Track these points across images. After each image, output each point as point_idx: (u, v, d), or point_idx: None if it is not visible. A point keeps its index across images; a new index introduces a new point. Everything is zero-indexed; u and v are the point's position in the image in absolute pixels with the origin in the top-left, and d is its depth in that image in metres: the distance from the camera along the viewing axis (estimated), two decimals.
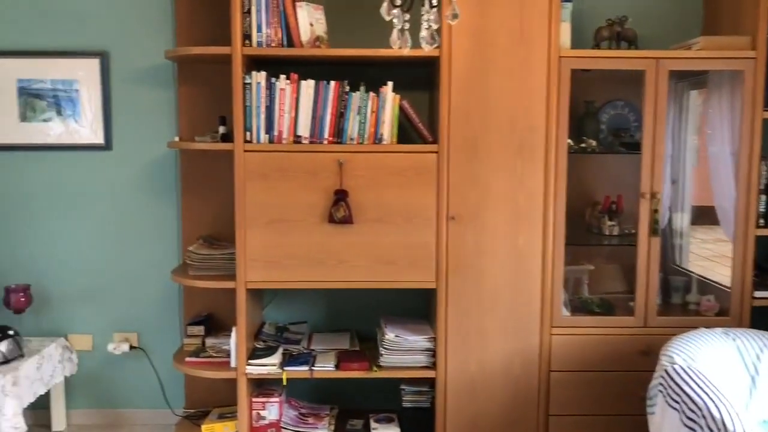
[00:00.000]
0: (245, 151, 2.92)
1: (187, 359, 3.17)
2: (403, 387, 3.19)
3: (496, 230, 2.98)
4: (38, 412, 3.45)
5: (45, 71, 3.37)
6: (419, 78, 3.26)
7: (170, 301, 3.49)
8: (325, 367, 3.04)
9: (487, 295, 3.01)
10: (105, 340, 3.52)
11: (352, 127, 2.95)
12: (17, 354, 3.10)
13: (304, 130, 2.94)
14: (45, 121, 3.40)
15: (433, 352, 3.05)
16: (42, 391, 3.20)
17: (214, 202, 3.35)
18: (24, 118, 3.40)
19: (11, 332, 3.12)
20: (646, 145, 2.99)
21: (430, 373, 3.05)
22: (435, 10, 1.69)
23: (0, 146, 3.42)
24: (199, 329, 3.35)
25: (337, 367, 3.05)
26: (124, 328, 3.53)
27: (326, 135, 2.95)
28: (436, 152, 2.95)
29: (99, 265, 3.49)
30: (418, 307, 3.38)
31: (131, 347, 3.50)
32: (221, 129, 3.12)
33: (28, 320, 3.40)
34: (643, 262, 3.03)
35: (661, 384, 2.48)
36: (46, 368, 3.25)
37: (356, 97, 2.94)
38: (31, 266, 3.47)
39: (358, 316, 3.46)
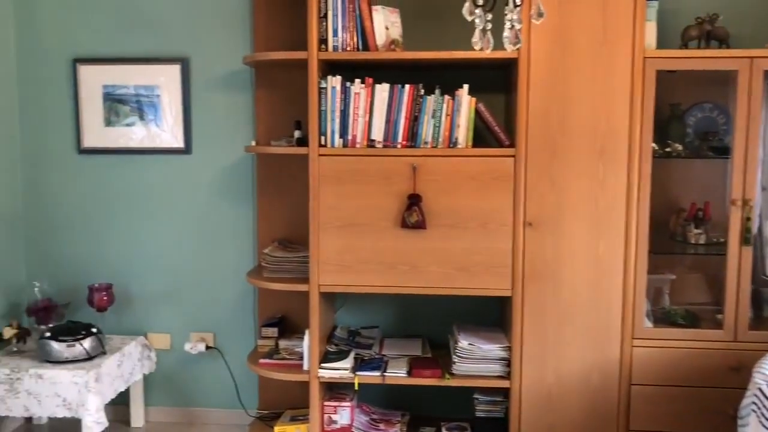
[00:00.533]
0: (320, 155, 2.93)
1: (261, 360, 3.20)
2: (476, 396, 3.12)
3: (576, 237, 2.89)
4: (118, 407, 3.56)
5: (128, 77, 3.47)
6: (495, 80, 3.20)
7: (245, 302, 3.54)
8: (397, 374, 3.01)
9: (565, 303, 2.91)
10: (182, 339, 3.60)
11: (426, 131, 2.91)
12: (99, 351, 3.20)
13: (378, 134, 2.92)
14: (128, 125, 3.51)
15: (507, 362, 2.98)
16: (122, 388, 3.30)
17: (289, 205, 3.38)
18: (108, 122, 3.52)
19: (94, 330, 3.22)
20: (738, 149, 2.83)
21: (504, 383, 2.98)
22: (518, 9, 1.63)
23: (86, 149, 3.55)
24: (273, 331, 3.38)
25: (409, 373, 3.02)
26: (201, 328, 3.60)
27: (400, 139, 2.92)
28: (513, 156, 2.88)
29: (178, 265, 3.57)
30: (492, 315, 3.31)
31: (207, 347, 3.57)
32: (296, 133, 3.14)
33: (110, 318, 3.52)
34: (733, 273, 2.87)
35: (754, 403, 2.34)
36: (126, 366, 3.35)
37: (431, 101, 2.90)
38: (114, 266, 3.58)
39: (431, 322, 3.42)
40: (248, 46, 3.40)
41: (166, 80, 3.46)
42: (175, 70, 3.45)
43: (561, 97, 2.84)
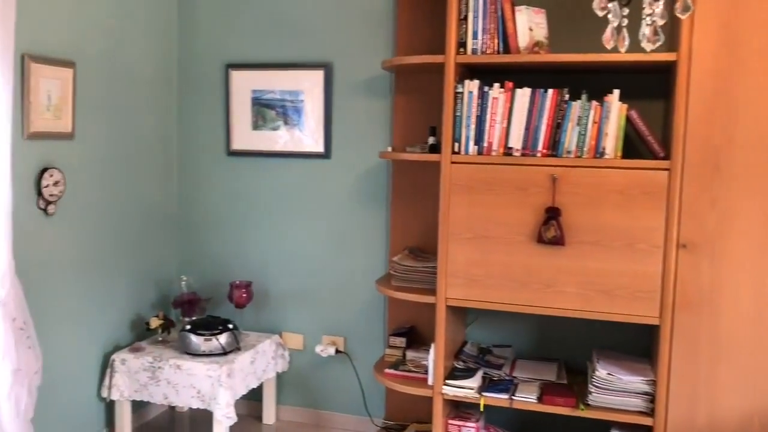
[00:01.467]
0: (452, 162, 2.81)
1: (387, 370, 3.13)
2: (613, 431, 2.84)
3: (739, 262, 2.53)
4: (252, 403, 3.66)
5: (275, 82, 3.57)
6: (652, 85, 2.90)
7: (376, 308, 3.50)
8: (527, 398, 2.81)
9: (724, 337, 2.56)
10: (314, 341, 3.63)
11: (569, 139, 2.70)
12: (234, 347, 3.30)
13: (516, 141, 2.75)
14: (273, 129, 3.60)
15: (651, 397, 2.68)
16: (254, 385, 3.38)
17: (422, 213, 3.29)
18: (256, 126, 3.63)
19: (231, 326, 3.33)
20: None
21: (646, 420, 2.68)
22: (661, 2, 1.42)
23: (235, 152, 3.69)
24: (401, 341, 3.30)
25: (540, 399, 2.81)
26: (333, 331, 3.60)
27: (540, 147, 2.73)
28: (668, 169, 2.58)
29: (313, 267, 3.61)
30: (637, 343, 3.00)
31: (337, 351, 3.57)
32: (430, 139, 3.04)
33: (248, 315, 3.63)
34: None
35: None
36: (259, 363, 3.42)
37: (576, 107, 2.68)
38: (254, 264, 3.69)
39: (568, 345, 3.17)
40: (390, 52, 3.36)
41: (309, 85, 3.51)
42: (318, 75, 3.49)
43: (727, 104, 2.50)
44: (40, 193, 2.86)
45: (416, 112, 3.29)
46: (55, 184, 2.92)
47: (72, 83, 2.99)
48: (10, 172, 2.52)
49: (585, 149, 2.68)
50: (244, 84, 3.62)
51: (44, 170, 2.87)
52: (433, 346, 2.93)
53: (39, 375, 2.73)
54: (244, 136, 3.66)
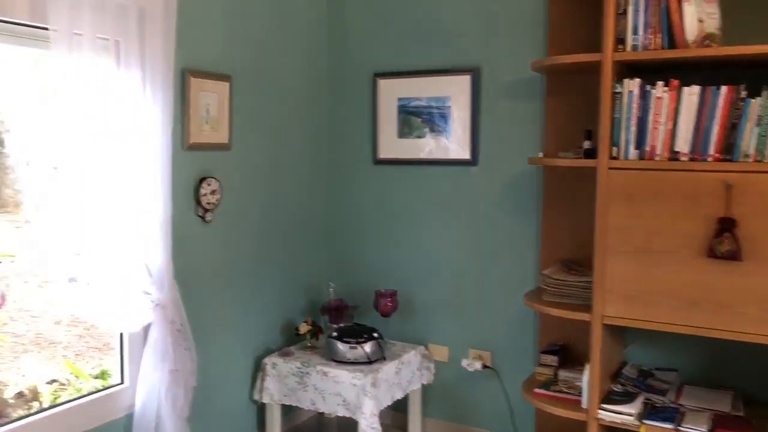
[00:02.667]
0: (610, 168, 2.60)
1: (537, 390, 2.96)
2: None
3: None
4: (398, 414, 3.61)
5: (422, 89, 3.51)
6: None
7: (526, 324, 3.33)
8: (696, 430, 2.52)
9: None
10: (460, 354, 3.52)
11: (747, 142, 2.39)
12: (379, 356, 3.27)
13: (682, 144, 2.49)
14: (419, 137, 3.55)
15: None
16: (399, 396, 3.32)
17: (576, 223, 3.08)
18: (402, 134, 3.60)
19: (376, 335, 3.30)
20: None
21: None
22: None
23: (382, 160, 3.68)
24: (553, 359, 3.11)
25: None
26: (479, 345, 3.48)
27: (711, 151, 2.44)
28: None
29: (459, 278, 3.51)
30: None
31: (484, 366, 3.43)
32: (586, 144, 2.83)
33: (393, 324, 3.59)
34: None
35: None
36: (404, 373, 3.37)
37: (755, 105, 2.37)
38: (400, 273, 3.65)
39: (745, 372, 2.82)
40: (540, 52, 3.19)
41: (456, 91, 3.42)
42: (465, 80, 3.39)
43: None
44: (198, 202, 3.00)
45: (569, 115, 3.09)
46: (212, 192, 3.05)
47: (228, 96, 3.11)
48: (170, 181, 2.66)
49: (766, 152, 2.37)
50: (391, 92, 3.60)
51: (202, 179, 3.01)
52: (587, 366, 2.72)
53: (194, 376, 2.85)
54: (390, 145, 3.64)
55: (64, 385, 4.17)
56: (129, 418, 2.71)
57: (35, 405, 3.94)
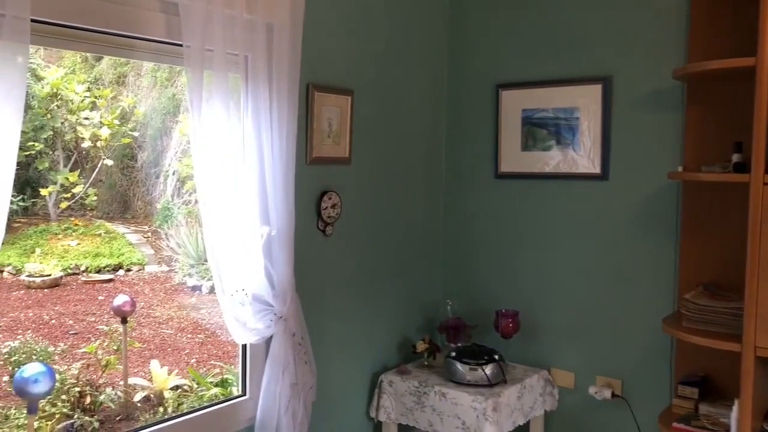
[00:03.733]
0: (765, 183, 2.35)
1: (675, 424, 2.72)
2: None
3: None
4: None
5: (548, 100, 3.36)
6: None
7: (661, 351, 3.08)
8: None
9: None
10: (587, 380, 3.31)
11: None
12: (500, 379, 3.13)
13: None
14: (544, 150, 3.40)
15: None
16: (521, 422, 3.16)
17: (720, 243, 2.82)
18: (526, 147, 3.46)
19: (496, 356, 3.17)
20: None
21: None
22: None
23: (503, 174, 3.55)
24: (692, 391, 2.85)
25: None
26: (608, 372, 3.26)
27: None
28: None
29: (587, 300, 3.31)
30: None
31: (613, 395, 3.21)
32: (735, 157, 2.58)
33: (515, 346, 3.43)
34: None
35: None
36: (526, 398, 3.21)
37: None
38: (522, 292, 3.50)
39: None
40: (680, 59, 2.97)
41: (586, 101, 3.25)
42: (596, 90, 3.21)
43: None
44: (319, 215, 3.00)
45: (713, 125, 2.85)
46: (333, 206, 3.04)
47: (350, 110, 3.10)
48: (294, 194, 2.67)
49: None
50: (515, 103, 3.47)
51: (324, 193, 3.00)
52: (737, 401, 2.46)
53: (314, 390, 2.83)
54: (513, 158, 3.51)
55: (186, 391, 4.32)
56: (250, 430, 2.72)
57: (160, 410, 4.11)
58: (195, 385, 4.31)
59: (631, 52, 3.13)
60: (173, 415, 2.79)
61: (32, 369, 3.15)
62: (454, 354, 3.19)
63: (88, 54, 5.34)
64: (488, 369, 3.11)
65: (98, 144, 8.63)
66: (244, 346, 2.79)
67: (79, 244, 8.44)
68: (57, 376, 3.97)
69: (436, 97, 3.69)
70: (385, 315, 3.43)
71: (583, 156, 3.28)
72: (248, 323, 2.60)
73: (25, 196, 8.42)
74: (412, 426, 3.21)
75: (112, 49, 2.32)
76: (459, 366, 3.13)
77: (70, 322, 6.34)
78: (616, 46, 3.17)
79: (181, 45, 2.29)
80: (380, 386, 3.27)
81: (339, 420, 3.19)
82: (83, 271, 7.78)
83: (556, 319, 3.40)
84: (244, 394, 2.80)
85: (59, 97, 8.55)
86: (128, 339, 4.97)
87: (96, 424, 3.74)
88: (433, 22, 3.63)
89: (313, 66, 2.89)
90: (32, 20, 1.88)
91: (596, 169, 3.24)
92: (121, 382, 4.28)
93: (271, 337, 2.69)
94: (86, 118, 8.68)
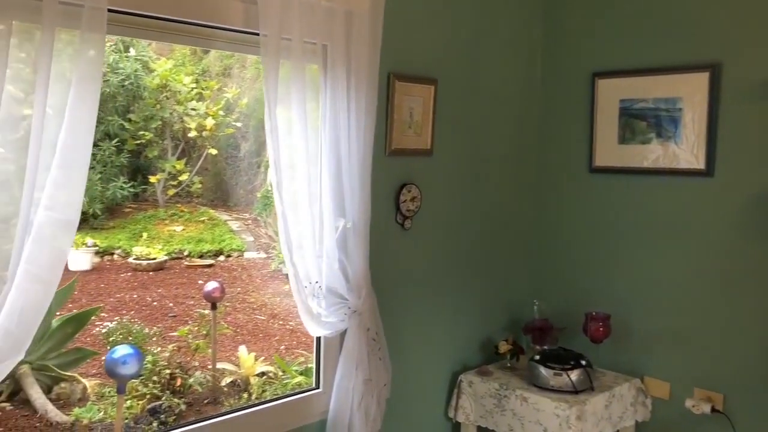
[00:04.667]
0: None
1: None
2: None
3: None
4: None
5: (647, 90, 3.13)
6: None
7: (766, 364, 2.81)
8: None
9: None
10: (683, 392, 3.07)
11: None
12: (587, 386, 2.95)
13: None
14: (643, 143, 3.16)
15: None
16: None
17: None
18: (623, 140, 3.24)
19: (584, 362, 2.99)
20: None
21: None
22: None
23: (598, 168, 3.34)
24: None
25: None
26: (708, 384, 3.01)
27: None
28: None
29: (686, 305, 3.06)
30: None
31: (713, 410, 2.95)
32: None
33: (605, 352, 3.23)
34: None
35: None
36: (615, 408, 3.02)
37: None
38: (615, 295, 3.29)
39: None
40: None
41: (690, 91, 3.00)
42: (702, 78, 2.95)
43: None
44: (398, 208, 2.92)
45: None
46: (412, 199, 2.96)
47: (432, 100, 3.00)
48: (371, 186, 2.60)
49: None
50: (611, 93, 3.25)
51: (403, 186, 2.92)
52: None
53: (388, 387, 2.77)
54: (609, 151, 3.29)
55: (272, 378, 4.38)
56: (322, 423, 2.70)
57: (245, 396, 4.18)
58: (280, 373, 4.36)
59: (743, 37, 2.85)
60: (249, 404, 2.81)
61: (121, 351, 3.25)
62: (538, 357, 3.04)
63: (196, 47, 5.55)
64: (574, 374, 2.94)
65: (203, 134, 8.96)
66: (319, 339, 2.77)
67: (183, 229, 8.81)
68: (150, 358, 4.12)
69: (528, 87, 3.52)
70: (468, 313, 3.32)
71: (685, 150, 3.03)
72: (322, 316, 2.57)
73: (136, 183, 8.87)
74: (491, 429, 3.09)
75: (189, 39, 2.33)
76: (543, 370, 2.98)
77: (170, 304, 6.60)
78: (727, 31, 2.90)
79: (258, 34, 2.27)
80: (459, 386, 3.17)
81: (415, 419, 3.12)
82: (186, 256, 8.11)
83: (651, 325, 3.17)
84: (318, 387, 2.78)
85: (168, 88, 8.94)
86: (219, 324, 5.11)
87: (183, 407, 3.83)
88: (524, 5, 3.46)
89: (395, 55, 2.81)
90: (109, 10, 1.90)
91: (700, 165, 2.99)
92: (210, 366, 4.38)
93: (346, 331, 2.64)
94: (193, 109, 9.03)
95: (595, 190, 3.36)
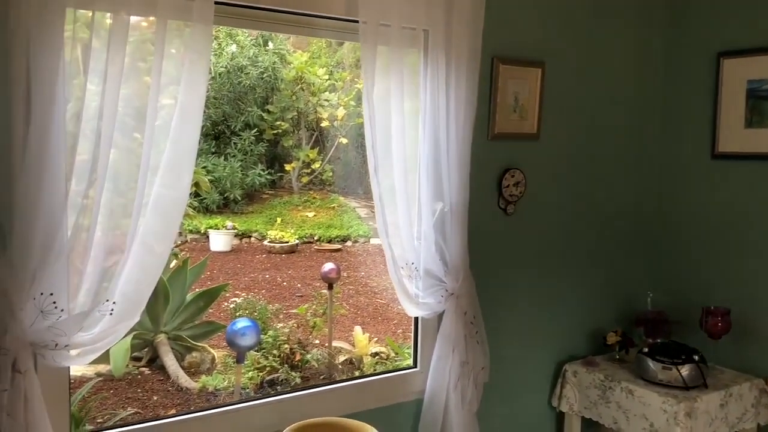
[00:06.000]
0: None
1: None
2: None
3: None
4: None
5: None
6: None
7: None
8: None
9: None
10: None
11: None
12: (699, 383, 2.80)
13: None
14: None
15: None
16: None
17: None
18: (749, 123, 3.02)
19: (696, 357, 2.83)
20: None
21: None
22: None
23: (722, 154, 3.14)
24: None
25: None
26: None
27: None
28: None
29: None
30: None
31: None
32: None
33: (723, 349, 3.03)
34: None
35: None
36: (733, 408, 2.84)
37: None
38: (737, 289, 3.08)
39: None
40: None
41: None
42: None
43: None
44: (500, 193, 2.91)
45: None
46: (516, 184, 2.93)
47: (539, 83, 2.95)
48: (469, 171, 2.62)
49: None
50: (738, 74, 3.04)
51: (506, 170, 2.91)
52: None
53: (486, 371, 2.78)
54: (734, 136, 3.08)
55: (384, 359, 4.51)
56: (419, 403, 2.76)
57: (357, 374, 4.33)
58: (393, 354, 4.48)
59: None
60: (352, 376, 2.92)
61: (241, 323, 3.52)
62: (646, 350, 2.92)
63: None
64: (684, 370, 2.80)
65: (335, 123, 9.28)
66: (416, 320, 2.82)
67: (315, 215, 9.20)
68: (271, 333, 4.39)
69: (647, 69, 3.36)
70: (575, 302, 3.24)
71: None
72: (419, 297, 2.63)
73: (273, 171, 9.36)
74: (595, 421, 3.02)
75: (292, 27, 2.45)
76: (651, 363, 2.86)
77: (299, 285, 6.94)
78: None
79: (357, 21, 2.35)
80: (564, 376, 3.11)
81: (518, 405, 3.10)
82: (316, 240, 8.48)
83: None
84: (416, 367, 2.84)
85: (303, 80, 9.34)
86: (336, 304, 5.31)
87: (298, 380, 4.04)
88: None
89: (499, 37, 2.79)
90: (216, 2, 2.05)
91: None
92: (326, 344, 4.59)
93: (443, 313, 2.68)
94: (326, 100, 9.38)
95: (717, 178, 3.16)
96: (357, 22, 2.35)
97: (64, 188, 1.86)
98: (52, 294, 1.88)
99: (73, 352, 1.97)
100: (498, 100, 2.84)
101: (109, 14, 1.90)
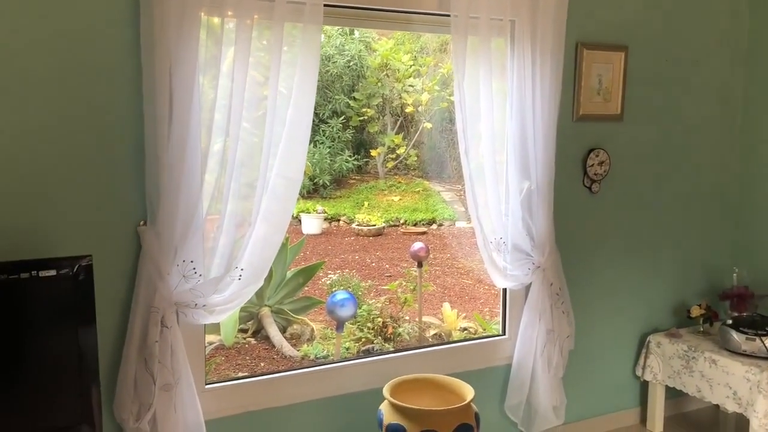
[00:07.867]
0: None
1: None
2: None
3: None
4: None
5: None
6: None
7: None
8: None
9: None
10: None
11: None
12: None
13: None
14: None
15: None
16: None
17: None
18: None
19: None
20: None
21: None
22: None
23: None
24: None
25: None
26: None
27: None
28: None
29: None
30: None
31: None
32: None
33: None
34: None
35: None
36: None
37: None
38: None
39: None
40: None
41: None
42: None
43: None
44: (585, 172, 3.06)
45: None
46: (600, 164, 3.07)
47: (622, 66, 3.07)
48: (555, 150, 2.79)
49: None
50: None
51: (591, 150, 3.05)
52: None
53: (571, 339, 2.95)
54: None
55: (472, 334, 4.71)
56: (508, 367, 2.96)
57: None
58: (480, 329, 4.68)
59: None
60: (444, 341, 3.15)
61: (340, 295, 3.81)
62: (730, 322, 3.02)
63: (425, 33, 6.07)
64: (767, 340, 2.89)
65: (419, 108, 9.47)
66: (505, 291, 3.02)
67: (400, 199, 9.44)
68: (365, 307, 4.67)
69: (732, 50, 3.40)
70: (659, 277, 3.35)
71: None
72: (507, 269, 2.82)
73: (359, 156, 9.66)
74: (684, 393, 3.13)
75: (390, 23, 2.69)
76: (734, 334, 2.96)
77: (386, 266, 7.22)
78: None
79: (449, 15, 2.56)
80: (647, 346, 3.24)
81: (603, 374, 3.25)
82: (402, 224, 8.72)
83: None
84: (504, 334, 3.04)
85: (388, 66, 9.57)
86: (425, 282, 5.54)
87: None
88: None
89: (582, 23, 2.93)
90: (325, 5, 2.31)
91: None
92: (416, 319, 4.83)
93: (530, 285, 2.88)
94: (410, 86, 9.58)
95: None
96: (448, 15, 2.57)
97: (200, 174, 2.18)
98: (192, 261, 2.20)
99: (206, 312, 2.29)
100: (582, 84, 2.98)
101: (234, 21, 2.19)
